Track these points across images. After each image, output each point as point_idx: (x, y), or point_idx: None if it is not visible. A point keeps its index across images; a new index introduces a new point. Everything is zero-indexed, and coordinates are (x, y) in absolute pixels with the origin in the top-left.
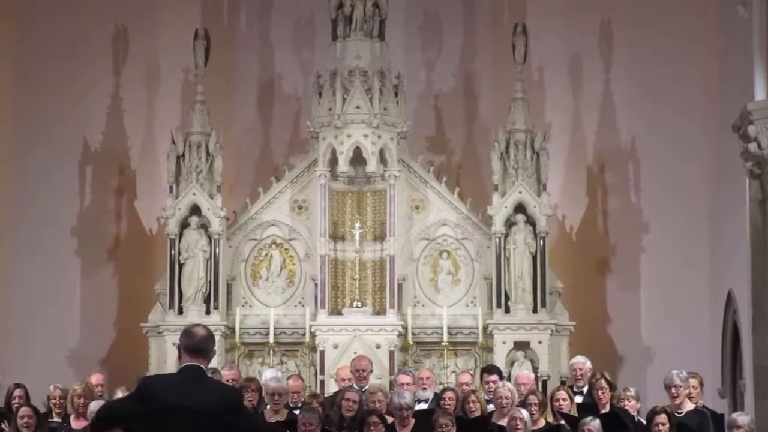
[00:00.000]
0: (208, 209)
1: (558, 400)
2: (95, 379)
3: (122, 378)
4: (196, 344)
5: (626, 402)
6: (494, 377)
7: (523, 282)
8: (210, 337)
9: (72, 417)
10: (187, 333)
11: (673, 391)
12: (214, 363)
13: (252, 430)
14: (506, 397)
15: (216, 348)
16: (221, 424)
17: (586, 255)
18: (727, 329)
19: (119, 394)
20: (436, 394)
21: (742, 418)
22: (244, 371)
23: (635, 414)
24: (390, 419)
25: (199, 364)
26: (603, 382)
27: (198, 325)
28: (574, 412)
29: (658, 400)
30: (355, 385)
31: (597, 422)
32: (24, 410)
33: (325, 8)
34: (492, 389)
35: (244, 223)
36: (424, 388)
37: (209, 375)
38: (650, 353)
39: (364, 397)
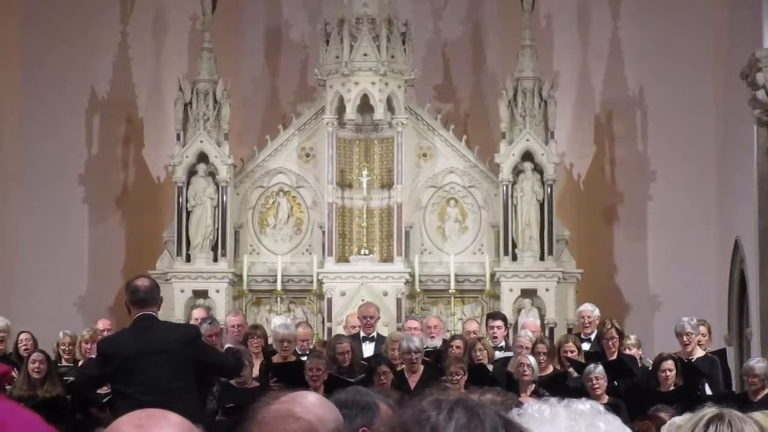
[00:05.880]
0: (216, 157)
1: (566, 351)
2: (102, 324)
3: None
4: (140, 297)
5: (627, 350)
6: (498, 323)
7: (530, 230)
8: (153, 286)
9: (81, 363)
10: (131, 287)
11: (685, 338)
12: (221, 310)
13: (218, 365)
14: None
15: (161, 292)
16: (183, 357)
17: (593, 203)
18: (734, 277)
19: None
20: (444, 341)
21: (760, 365)
22: (251, 318)
23: (639, 359)
24: (400, 368)
25: (148, 312)
26: (614, 332)
27: (141, 276)
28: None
29: (665, 347)
30: (362, 332)
31: (601, 368)
32: (36, 355)
33: None
34: (496, 335)
35: (252, 171)
36: (432, 337)
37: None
38: (657, 301)
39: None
